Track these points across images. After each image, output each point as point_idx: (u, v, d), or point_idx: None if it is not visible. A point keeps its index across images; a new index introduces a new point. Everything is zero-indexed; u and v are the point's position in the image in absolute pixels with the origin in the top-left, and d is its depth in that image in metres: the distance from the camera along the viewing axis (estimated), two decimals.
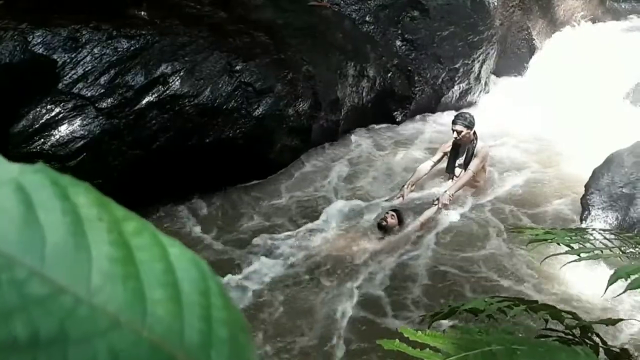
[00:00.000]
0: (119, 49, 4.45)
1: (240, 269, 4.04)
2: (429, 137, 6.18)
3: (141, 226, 0.26)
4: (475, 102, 7.20)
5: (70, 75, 4.30)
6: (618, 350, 1.21)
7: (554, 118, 6.38)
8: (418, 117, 6.66)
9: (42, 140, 4.16)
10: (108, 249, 0.24)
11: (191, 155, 4.63)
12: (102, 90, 4.33)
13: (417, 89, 6.62)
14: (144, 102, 4.42)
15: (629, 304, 3.65)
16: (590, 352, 1.02)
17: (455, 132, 4.83)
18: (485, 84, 7.37)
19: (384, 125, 6.37)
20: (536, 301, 1.25)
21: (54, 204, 0.24)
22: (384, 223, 4.38)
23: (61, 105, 4.23)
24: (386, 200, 4.89)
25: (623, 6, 9.55)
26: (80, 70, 4.33)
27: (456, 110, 6.49)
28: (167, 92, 4.51)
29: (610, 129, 5.68)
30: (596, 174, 4.61)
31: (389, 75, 6.40)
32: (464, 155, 4.92)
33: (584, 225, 4.34)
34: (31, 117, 4.15)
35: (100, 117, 4.28)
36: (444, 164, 5.10)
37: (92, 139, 4.23)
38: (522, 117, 6.47)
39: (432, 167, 5.08)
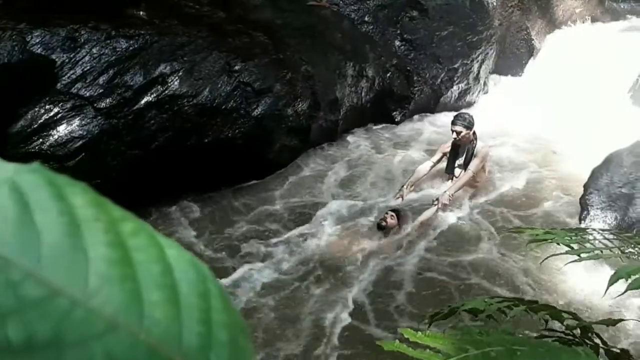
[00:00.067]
0: (117, 49, 4.44)
1: (239, 270, 4.02)
2: (428, 137, 6.18)
3: (138, 227, 0.25)
4: (474, 102, 7.20)
5: (68, 75, 4.29)
6: (618, 350, 1.20)
7: (553, 118, 6.39)
8: (417, 117, 6.66)
9: (41, 140, 4.15)
10: (105, 250, 0.23)
11: (190, 155, 4.63)
12: (100, 90, 4.32)
13: (416, 89, 6.62)
14: (142, 102, 4.41)
15: (630, 304, 3.64)
16: (591, 352, 1.02)
17: (454, 133, 4.83)
18: (484, 84, 7.37)
19: (383, 125, 6.37)
20: (536, 301, 1.25)
21: (50, 204, 0.23)
22: (384, 223, 4.38)
23: (60, 105, 4.22)
24: (385, 201, 4.89)
25: (622, 6, 9.55)
26: (78, 70, 4.32)
27: (455, 110, 6.49)
28: (166, 92, 4.50)
29: (609, 129, 5.68)
30: (595, 174, 4.61)
31: (388, 75, 6.39)
32: (464, 156, 4.92)
33: (582, 225, 4.34)
34: (29, 117, 4.15)
35: (99, 117, 4.27)
36: (443, 165, 5.10)
37: (90, 139, 4.22)
38: (521, 117, 6.47)
39: (432, 167, 5.07)
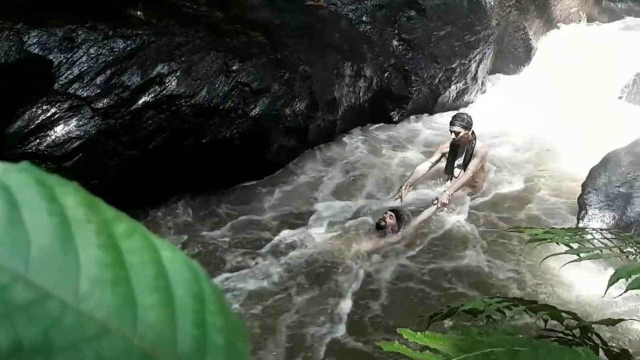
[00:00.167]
0: (115, 49, 4.43)
1: (236, 271, 4.00)
2: (426, 137, 6.18)
3: (132, 228, 0.24)
4: (472, 101, 7.20)
5: (66, 75, 4.28)
6: (618, 350, 1.20)
7: (551, 117, 6.39)
8: (415, 117, 6.66)
9: (38, 140, 4.13)
10: (97, 252, 0.23)
11: (188, 155, 4.62)
12: (98, 91, 4.31)
13: (414, 88, 6.62)
14: (140, 102, 4.40)
15: (630, 303, 3.64)
16: (592, 352, 1.01)
17: (453, 134, 4.83)
18: (482, 83, 7.37)
19: (381, 125, 6.37)
20: (535, 301, 1.24)
21: (39, 204, 0.22)
22: (383, 223, 4.38)
23: (57, 105, 4.20)
24: (384, 202, 4.88)
25: (619, 6, 9.57)
26: (76, 71, 4.30)
27: (453, 110, 6.50)
28: (164, 92, 4.49)
29: (607, 128, 5.69)
30: (593, 174, 4.61)
31: (386, 75, 6.39)
32: (463, 156, 4.92)
33: (581, 225, 4.34)
34: (27, 117, 4.13)
35: (96, 118, 4.26)
36: (442, 165, 5.10)
37: (88, 139, 4.21)
38: (519, 117, 6.48)
39: (430, 168, 5.07)
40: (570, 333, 1.20)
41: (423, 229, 4.51)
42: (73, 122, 4.20)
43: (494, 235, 4.46)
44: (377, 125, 6.35)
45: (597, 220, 4.39)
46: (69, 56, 4.30)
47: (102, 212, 0.24)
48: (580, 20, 8.87)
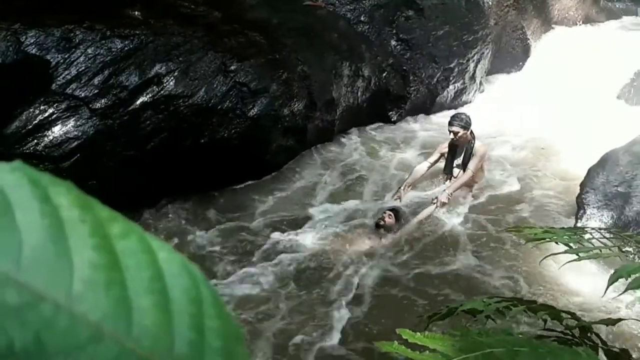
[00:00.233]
0: (112, 49, 4.42)
1: (233, 272, 3.99)
2: (425, 137, 6.18)
3: (127, 228, 0.24)
4: (471, 101, 7.20)
5: (63, 75, 4.27)
6: (618, 350, 1.19)
7: (549, 117, 6.40)
8: (413, 116, 6.66)
9: (36, 141, 4.12)
10: (91, 253, 0.22)
11: (186, 155, 4.61)
12: (95, 91, 4.29)
13: (413, 88, 6.61)
14: (138, 102, 4.39)
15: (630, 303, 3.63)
16: (592, 353, 1.01)
17: (452, 134, 4.83)
18: (480, 83, 7.37)
19: (379, 125, 6.36)
20: (535, 301, 1.24)
21: (32, 204, 0.22)
22: (382, 222, 4.37)
23: (55, 105, 4.19)
24: (383, 202, 4.87)
25: (617, 5, 9.58)
26: (73, 71, 4.29)
27: (451, 109, 6.51)
28: (162, 92, 4.48)
29: (605, 128, 5.70)
30: (591, 173, 4.62)
31: (384, 75, 6.39)
32: (462, 156, 4.92)
33: (579, 225, 4.34)
34: (24, 117, 4.12)
35: (94, 118, 4.25)
36: (440, 165, 5.09)
37: (86, 139, 4.19)
38: (518, 116, 6.48)
39: (429, 168, 5.07)
40: (570, 333, 1.19)
41: (422, 228, 4.51)
42: (71, 123, 4.19)
43: (493, 235, 4.46)
44: (376, 125, 6.35)
45: (596, 219, 4.39)
46: (66, 56, 4.29)
47: (97, 213, 0.23)
48: (578, 20, 8.87)
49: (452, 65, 6.88)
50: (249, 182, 5.03)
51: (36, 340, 0.20)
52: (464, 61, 7.00)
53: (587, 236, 1.37)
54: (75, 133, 4.18)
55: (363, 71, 6.11)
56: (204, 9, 5.27)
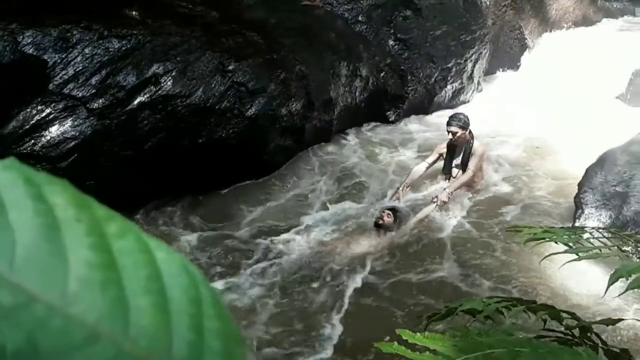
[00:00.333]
0: (110, 49, 4.41)
1: (231, 274, 3.97)
2: (423, 137, 6.17)
3: (124, 228, 0.23)
4: (469, 101, 7.21)
5: (60, 75, 4.25)
6: (618, 350, 1.19)
7: (546, 117, 6.40)
8: (411, 116, 6.66)
9: (33, 141, 4.11)
10: (86, 252, 0.21)
11: (184, 155, 4.60)
12: (93, 91, 4.28)
13: (410, 88, 6.61)
14: (135, 102, 4.38)
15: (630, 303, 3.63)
16: (592, 353, 1.01)
17: (450, 134, 4.83)
18: (478, 83, 7.38)
19: (377, 125, 6.36)
20: (535, 301, 1.23)
21: (26, 203, 0.21)
22: (381, 221, 4.37)
23: (52, 105, 4.18)
24: (381, 202, 4.87)
25: (615, 5, 9.59)
26: (71, 71, 4.28)
27: (449, 109, 6.51)
28: (159, 92, 4.47)
29: (603, 128, 5.70)
30: (589, 173, 4.62)
31: (382, 74, 6.39)
32: (461, 156, 4.92)
33: (577, 224, 4.34)
34: (21, 118, 4.11)
35: (92, 118, 4.24)
36: (438, 166, 5.09)
37: (83, 139, 4.18)
38: (515, 116, 6.49)
39: (427, 168, 5.06)
40: (570, 333, 1.19)
41: (421, 227, 4.50)
42: (68, 123, 4.18)
43: (492, 235, 4.45)
44: (374, 125, 6.35)
45: (594, 219, 4.39)
46: (63, 56, 4.27)
47: (93, 212, 0.23)
48: (575, 20, 8.88)
49: (450, 65, 6.89)
50: (247, 183, 5.02)
51: (30, 342, 0.19)
52: (462, 61, 7.00)
53: (586, 236, 1.37)
54: (73, 133, 4.17)
55: (361, 71, 6.10)
56: (202, 9, 5.27)
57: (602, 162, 4.62)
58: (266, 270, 3.99)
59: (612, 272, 1.07)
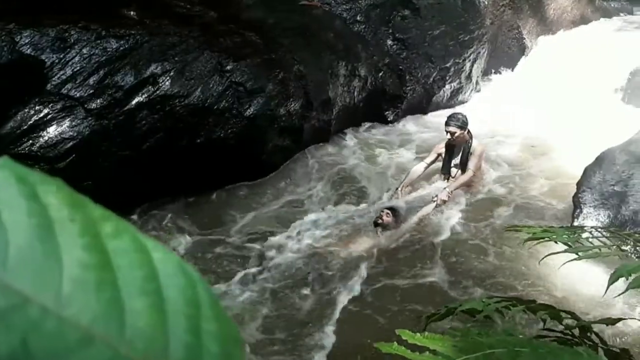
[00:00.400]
0: (108, 49, 4.40)
1: (228, 275, 3.95)
2: (421, 137, 6.17)
3: (120, 228, 0.23)
4: (467, 101, 7.21)
5: (58, 75, 4.25)
6: (618, 350, 1.19)
7: (545, 116, 6.40)
8: (410, 116, 6.66)
9: (31, 141, 4.10)
10: (80, 253, 0.21)
11: (182, 156, 4.59)
12: (91, 91, 4.28)
13: (409, 88, 6.61)
14: (133, 102, 4.37)
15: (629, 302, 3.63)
16: (593, 353, 1.00)
17: (448, 134, 4.82)
18: (477, 82, 7.38)
19: (375, 125, 6.35)
20: (534, 301, 1.23)
21: (19, 202, 0.21)
22: (380, 221, 4.37)
23: (50, 106, 4.17)
24: (380, 202, 4.86)
25: (612, 5, 9.60)
26: (68, 71, 4.27)
27: (448, 109, 6.51)
28: (157, 92, 4.46)
29: (601, 127, 5.70)
30: (588, 172, 4.62)
31: (381, 74, 6.38)
32: (460, 155, 4.92)
33: (576, 224, 4.34)
34: (19, 118, 4.10)
35: (90, 118, 4.23)
36: (437, 166, 5.09)
37: (81, 140, 4.17)
38: (514, 116, 6.48)
39: (426, 168, 5.06)
40: (570, 333, 1.19)
41: (419, 229, 4.50)
42: (66, 123, 4.17)
43: (490, 235, 4.45)
44: (372, 124, 6.34)
45: (592, 218, 4.39)
46: (61, 56, 4.27)
47: (88, 211, 0.22)
48: (573, 19, 8.89)
49: (448, 65, 6.88)
50: (244, 184, 5.01)
51: (22, 345, 0.19)
52: (460, 61, 7.00)
53: (585, 235, 1.36)
54: (71, 133, 4.16)
55: (359, 71, 6.10)
56: (200, 9, 5.26)
57: (601, 161, 4.62)
58: (258, 275, 3.97)
59: (612, 271, 1.07)
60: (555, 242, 1.30)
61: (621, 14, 9.50)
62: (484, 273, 4.01)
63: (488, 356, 0.79)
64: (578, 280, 3.78)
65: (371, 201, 4.90)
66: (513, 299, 1.23)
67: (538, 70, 7.66)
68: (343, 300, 3.71)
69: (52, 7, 4.54)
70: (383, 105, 6.45)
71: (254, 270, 4.00)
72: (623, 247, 1.35)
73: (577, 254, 1.19)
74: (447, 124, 4.86)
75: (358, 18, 6.56)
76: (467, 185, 4.95)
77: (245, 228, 4.50)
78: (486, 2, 7.39)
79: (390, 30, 6.66)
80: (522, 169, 5.49)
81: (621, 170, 4.49)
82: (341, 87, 5.87)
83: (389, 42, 6.64)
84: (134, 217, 4.45)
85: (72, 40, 4.33)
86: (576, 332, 1.19)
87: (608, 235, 1.38)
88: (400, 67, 6.58)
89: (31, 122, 4.11)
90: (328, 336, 3.39)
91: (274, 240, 4.31)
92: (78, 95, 4.24)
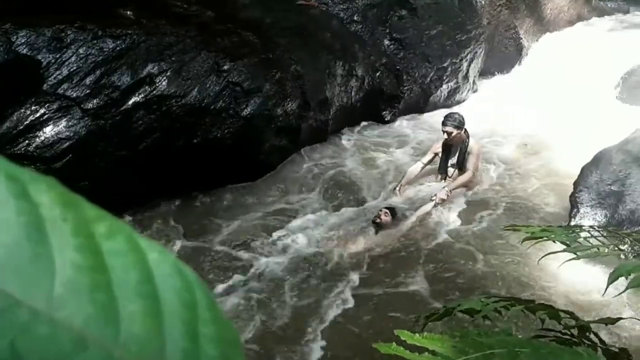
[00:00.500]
0: (104, 49, 4.39)
1: (226, 276, 3.94)
2: (418, 137, 6.17)
3: (115, 228, 0.22)
4: (464, 100, 7.20)
5: (55, 75, 4.23)
6: (617, 350, 1.18)
7: (542, 116, 6.41)
8: (407, 116, 6.65)
9: (27, 141, 4.09)
10: (73, 254, 0.20)
11: (179, 156, 4.58)
12: (87, 91, 4.26)
13: (406, 88, 6.61)
14: (130, 102, 4.36)
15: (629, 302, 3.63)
16: (593, 353, 1.00)
17: (445, 134, 4.82)
18: (474, 82, 7.38)
19: (373, 125, 6.35)
20: (533, 301, 1.22)
21: (7, 201, 0.20)
22: (378, 220, 4.36)
23: (46, 106, 4.16)
24: (377, 202, 4.85)
25: (609, 5, 9.62)
26: (65, 71, 4.26)
27: (445, 109, 6.50)
28: (154, 92, 4.45)
29: (598, 126, 5.70)
30: (585, 172, 4.62)
31: (378, 74, 6.38)
32: (457, 155, 4.92)
33: (573, 223, 4.34)
34: (15, 118, 4.08)
35: (86, 118, 4.21)
36: (434, 165, 5.09)
37: (77, 140, 4.16)
38: (511, 116, 6.49)
39: (423, 168, 5.06)
40: (569, 332, 1.18)
41: (419, 226, 4.49)
42: (62, 123, 4.16)
43: (489, 233, 4.45)
44: (369, 124, 6.33)
45: (589, 218, 4.40)
46: (57, 56, 4.25)
47: (82, 211, 0.22)
48: (570, 19, 8.90)
49: (445, 65, 6.88)
50: (242, 184, 4.99)
51: (12, 350, 0.18)
52: (457, 60, 7.00)
53: (583, 234, 1.36)
54: (67, 133, 4.15)
55: (356, 71, 6.09)
56: (197, 9, 5.25)
57: (598, 161, 4.62)
58: (258, 274, 3.96)
59: (611, 271, 1.06)
60: (554, 242, 1.30)
61: (617, 14, 9.51)
62: (484, 273, 4.01)
63: (488, 357, 0.78)
64: (578, 280, 3.79)
65: (368, 201, 4.89)
66: (511, 298, 1.23)
67: (535, 70, 7.67)
68: (339, 302, 3.70)
69: (48, 6, 4.52)
70: (380, 105, 6.44)
71: (252, 270, 3.99)
72: (621, 247, 1.35)
73: (575, 253, 1.19)
74: (443, 123, 4.86)
75: (355, 18, 6.55)
76: (465, 186, 4.95)
77: (240, 229, 4.48)
78: (483, 2, 7.39)
79: (388, 30, 6.65)
80: (519, 169, 5.49)
81: (618, 169, 4.50)
82: (338, 87, 5.86)
83: (386, 42, 6.63)
84: (130, 216, 4.43)
85: (69, 40, 4.31)
86: (575, 331, 1.19)
87: (606, 234, 1.37)
88: (398, 67, 6.58)
89: (27, 122, 4.09)
90: (324, 340, 3.38)
91: (269, 241, 4.29)
92: (74, 95, 4.22)
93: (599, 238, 1.31)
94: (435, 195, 4.66)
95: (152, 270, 0.21)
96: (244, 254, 4.17)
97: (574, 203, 4.52)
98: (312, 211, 4.70)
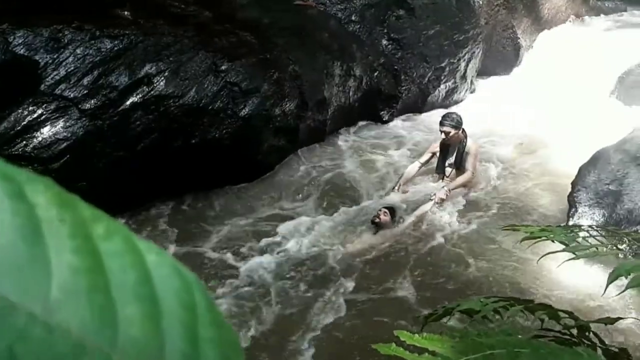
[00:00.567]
0: (102, 49, 4.38)
1: (225, 276, 3.93)
2: (416, 136, 6.17)
3: (112, 229, 0.22)
4: (462, 100, 7.20)
5: (52, 76, 4.22)
6: (616, 349, 1.18)
7: (539, 116, 6.41)
8: (405, 116, 6.65)
9: (25, 142, 4.08)
10: (70, 256, 0.20)
11: (177, 156, 4.57)
12: (85, 91, 4.25)
13: (404, 88, 6.61)
14: (128, 103, 4.35)
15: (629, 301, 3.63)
16: (593, 352, 0.99)
17: (443, 133, 4.83)
18: (471, 82, 7.38)
19: (371, 125, 6.34)
20: (532, 300, 1.22)
21: (3, 202, 0.20)
22: (377, 220, 4.36)
23: (43, 106, 4.15)
24: (376, 202, 4.85)
25: (607, 4, 9.63)
26: (62, 71, 4.25)
27: (443, 109, 6.51)
28: (152, 92, 4.44)
29: (596, 126, 5.71)
30: (582, 171, 4.62)
31: (376, 74, 6.37)
32: (454, 155, 4.92)
33: (571, 223, 4.34)
34: (13, 119, 4.07)
35: (84, 119, 4.21)
36: (432, 165, 5.09)
37: (75, 140, 4.15)
38: (509, 116, 6.49)
39: (420, 168, 5.06)
40: (568, 332, 1.18)
41: (418, 226, 4.49)
42: (60, 124, 4.15)
43: (488, 233, 4.45)
44: (367, 124, 6.33)
45: (587, 218, 4.40)
46: (55, 57, 4.24)
47: (79, 212, 0.21)
48: (568, 19, 8.91)
49: (443, 65, 6.88)
50: (241, 185, 4.98)
51: (10, 355, 0.18)
52: (455, 60, 7.00)
53: (582, 234, 1.36)
54: (65, 134, 4.14)
55: (354, 71, 6.09)
56: (195, 9, 5.24)
57: (595, 160, 4.63)
58: (256, 274, 3.95)
59: (611, 271, 1.06)
60: (553, 242, 1.30)
61: (615, 14, 9.52)
62: (483, 273, 4.01)
63: (488, 357, 0.78)
64: (577, 279, 3.79)
65: (366, 202, 4.88)
66: (511, 298, 1.22)
67: (533, 70, 7.68)
68: (339, 302, 3.70)
69: (45, 7, 4.51)
70: (378, 105, 6.44)
71: (249, 270, 3.99)
72: (619, 246, 1.35)
73: (574, 253, 1.19)
74: (441, 123, 4.86)
75: (353, 18, 6.55)
76: (463, 185, 4.95)
77: (232, 233, 4.45)
78: (480, 2, 7.40)
79: (385, 30, 6.65)
80: (517, 169, 5.49)
81: (616, 169, 4.51)
82: (336, 87, 5.86)
83: (384, 42, 6.63)
84: (127, 217, 4.42)
85: (66, 41, 4.31)
86: (574, 331, 1.19)
87: (605, 234, 1.37)
88: (395, 67, 6.58)
89: (25, 122, 4.08)
90: (313, 347, 3.36)
91: (262, 245, 4.26)
92: (72, 95, 4.22)
93: (597, 238, 1.31)
94: (435, 194, 4.67)
95: (151, 272, 0.21)
96: (235, 259, 4.14)
97: (571, 203, 4.52)
98: (309, 213, 4.69)
